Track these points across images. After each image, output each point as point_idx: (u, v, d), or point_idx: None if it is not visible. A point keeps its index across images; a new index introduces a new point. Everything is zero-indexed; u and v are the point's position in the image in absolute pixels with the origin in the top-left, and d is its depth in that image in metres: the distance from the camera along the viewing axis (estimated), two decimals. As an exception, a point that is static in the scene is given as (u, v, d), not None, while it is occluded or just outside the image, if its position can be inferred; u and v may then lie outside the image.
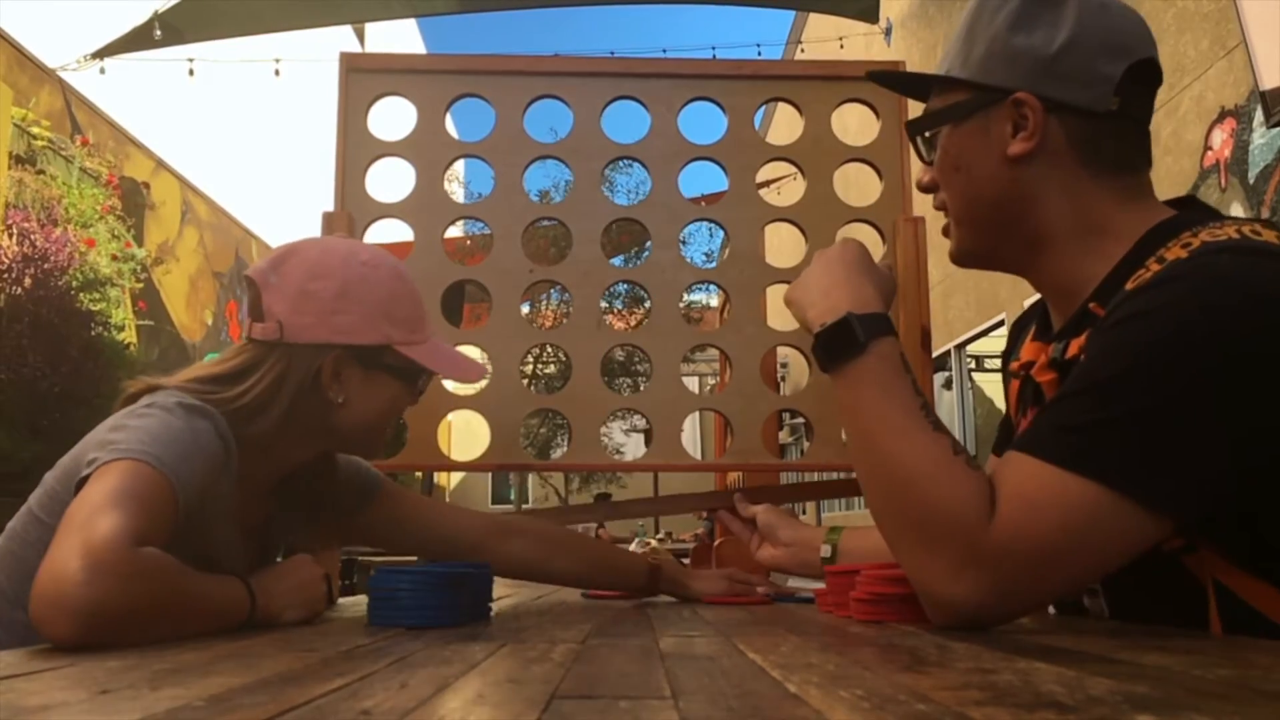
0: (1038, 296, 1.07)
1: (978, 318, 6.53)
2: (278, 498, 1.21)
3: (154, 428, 0.96)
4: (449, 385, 1.65)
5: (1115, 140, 0.95)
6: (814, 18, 9.82)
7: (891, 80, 1.16)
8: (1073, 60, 0.93)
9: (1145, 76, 0.95)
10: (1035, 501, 0.80)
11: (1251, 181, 3.79)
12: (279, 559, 1.24)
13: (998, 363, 6.64)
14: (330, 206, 1.53)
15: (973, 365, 7.18)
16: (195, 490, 0.96)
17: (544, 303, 13.85)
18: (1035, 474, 0.80)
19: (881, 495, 0.88)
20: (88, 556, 0.79)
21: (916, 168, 1.11)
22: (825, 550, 1.31)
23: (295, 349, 1.10)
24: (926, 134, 1.03)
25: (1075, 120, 0.94)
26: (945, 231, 1.07)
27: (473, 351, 1.78)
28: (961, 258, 1.06)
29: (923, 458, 0.85)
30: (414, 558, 1.38)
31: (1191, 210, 0.94)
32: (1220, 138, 4.02)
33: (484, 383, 1.56)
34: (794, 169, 1.63)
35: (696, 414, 1.67)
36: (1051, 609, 1.13)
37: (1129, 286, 0.85)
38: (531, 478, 17.28)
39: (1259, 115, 3.68)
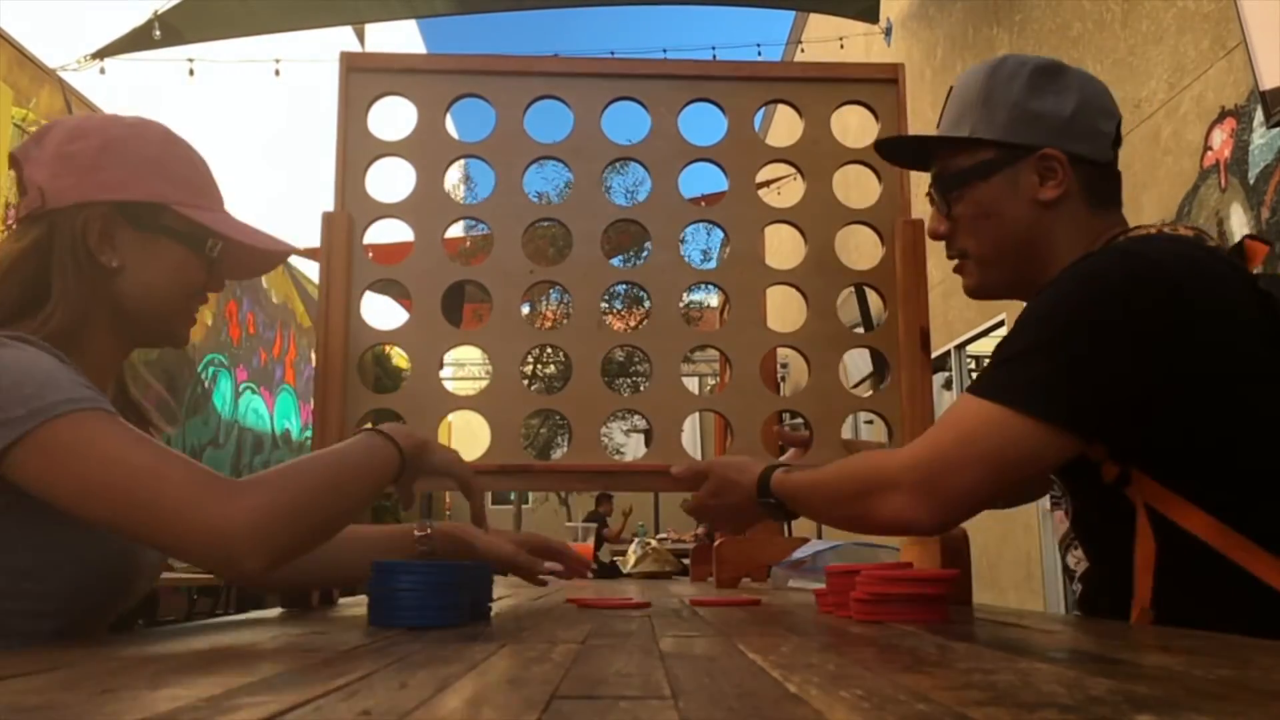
0: None
1: (978, 318, 6.53)
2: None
3: (17, 376, 0.86)
4: (448, 385, 1.65)
5: (1108, 183, 1.19)
6: (814, 18, 9.81)
7: (894, 148, 1.34)
8: (1083, 121, 1.16)
9: (1118, 133, 1.21)
10: (942, 424, 1.05)
11: (1251, 181, 3.79)
12: None
13: (998, 363, 6.64)
14: (330, 206, 1.53)
15: (973, 365, 7.18)
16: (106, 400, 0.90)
17: (544, 303, 13.85)
18: (954, 405, 1.05)
19: (848, 519, 1.16)
20: (234, 505, 0.83)
21: (925, 213, 1.30)
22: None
23: (57, 214, 1.00)
24: (947, 190, 1.21)
25: (1085, 169, 1.16)
26: (959, 270, 1.25)
27: (472, 352, 1.78)
28: (981, 292, 1.24)
29: (830, 481, 1.16)
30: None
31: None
32: (1220, 138, 4.02)
33: (484, 383, 1.56)
34: (793, 170, 1.63)
35: (696, 414, 1.67)
36: (1076, 611, 1.18)
37: None
38: (531, 478, 17.24)
39: (1259, 115, 3.68)
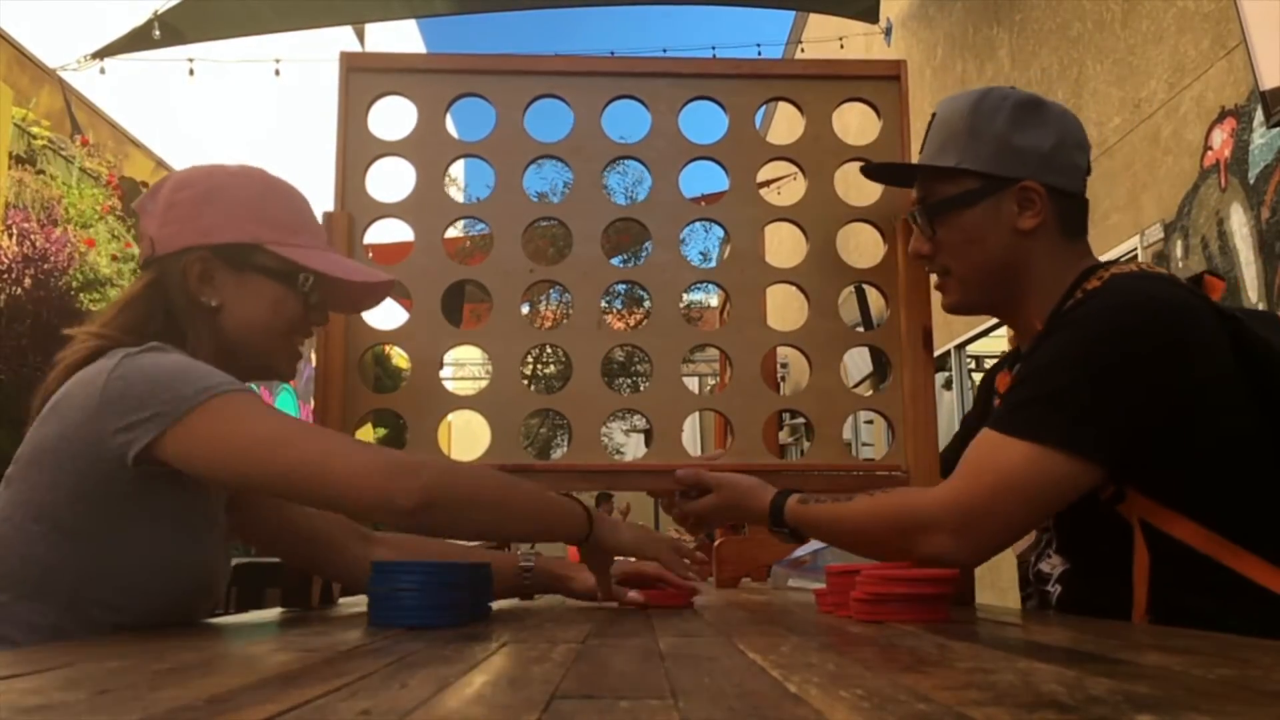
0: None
1: (978, 318, 6.54)
2: None
3: (180, 362, 1.01)
4: (448, 385, 1.65)
5: (1079, 213, 1.28)
6: (814, 18, 9.80)
7: (882, 173, 1.44)
8: (1061, 155, 1.25)
9: (1089, 164, 1.30)
10: (979, 464, 1.10)
11: (1251, 181, 3.79)
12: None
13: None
14: (330, 206, 1.53)
15: (973, 365, 7.17)
16: None
17: (544, 303, 13.84)
18: (983, 442, 1.11)
19: (875, 553, 1.21)
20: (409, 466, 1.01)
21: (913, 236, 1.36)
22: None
23: (165, 260, 1.11)
24: (933, 216, 1.29)
25: (1061, 200, 1.25)
26: (941, 287, 1.34)
27: (472, 352, 1.77)
28: (960, 308, 1.32)
29: (870, 520, 1.19)
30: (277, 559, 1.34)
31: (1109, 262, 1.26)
32: (1220, 138, 4.02)
33: (484, 382, 1.56)
34: (794, 168, 1.63)
35: (696, 414, 1.67)
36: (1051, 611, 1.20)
37: (1064, 309, 1.18)
38: (531, 478, 17.23)
39: (1259, 115, 3.68)
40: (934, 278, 1.37)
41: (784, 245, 2.05)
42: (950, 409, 7.02)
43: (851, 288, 1.66)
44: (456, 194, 11.70)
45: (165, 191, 1.13)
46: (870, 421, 8.49)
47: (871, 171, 1.44)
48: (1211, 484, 1.09)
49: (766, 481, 1.36)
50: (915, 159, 1.39)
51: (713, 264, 1.74)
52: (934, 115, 1.33)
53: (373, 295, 1.28)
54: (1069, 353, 1.10)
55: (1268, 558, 1.05)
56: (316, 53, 5.96)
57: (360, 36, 11.73)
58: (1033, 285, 1.25)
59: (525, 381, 1.60)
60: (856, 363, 6.64)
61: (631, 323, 13.07)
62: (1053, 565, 1.25)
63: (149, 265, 1.12)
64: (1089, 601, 1.17)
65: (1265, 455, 1.09)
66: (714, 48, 9.04)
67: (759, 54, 8.09)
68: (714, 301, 11.63)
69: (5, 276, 4.84)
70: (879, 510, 1.18)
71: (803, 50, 9.72)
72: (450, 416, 1.64)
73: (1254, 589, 1.04)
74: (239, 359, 1.14)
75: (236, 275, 1.12)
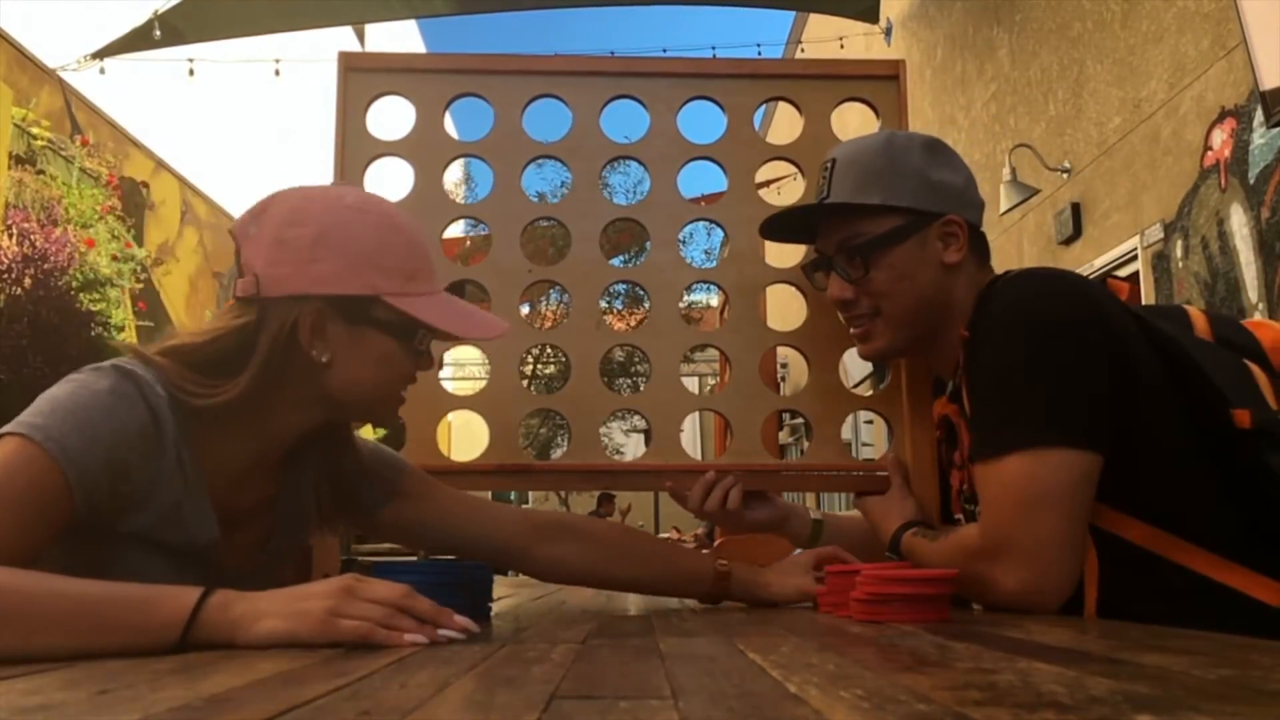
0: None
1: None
2: (282, 481, 1.11)
3: (64, 396, 0.91)
4: (448, 385, 1.65)
5: (984, 243, 1.32)
6: (814, 18, 9.81)
7: (780, 228, 1.44)
8: (970, 191, 1.31)
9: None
10: (996, 496, 1.09)
11: (1251, 181, 3.79)
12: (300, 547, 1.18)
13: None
14: (330, 206, 1.53)
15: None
16: (101, 468, 0.90)
17: (543, 303, 13.84)
18: (985, 475, 1.11)
19: (961, 593, 1.15)
20: None
21: (829, 283, 1.36)
22: (816, 513, 1.53)
23: (270, 303, 0.99)
24: (862, 255, 1.27)
25: (973, 232, 1.29)
26: (864, 334, 1.32)
27: (472, 352, 1.77)
28: (888, 352, 1.33)
29: (940, 561, 1.14)
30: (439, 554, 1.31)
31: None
32: (1220, 138, 4.02)
33: (483, 383, 1.56)
34: (794, 168, 1.63)
35: (696, 414, 1.67)
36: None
37: (971, 334, 1.18)
38: (531, 478, 17.23)
39: (1259, 115, 3.68)
40: (852, 329, 1.35)
41: (784, 245, 2.05)
42: (950, 409, 7.02)
43: (851, 288, 1.66)
44: (460, 193, 11.71)
45: (274, 222, 1.01)
46: (870, 421, 8.49)
47: (770, 229, 1.44)
48: (1151, 479, 1.09)
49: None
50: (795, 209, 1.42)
51: (714, 263, 1.74)
52: (832, 161, 1.31)
53: (485, 336, 1.17)
54: (1006, 360, 1.11)
55: (1215, 551, 1.06)
56: (316, 53, 5.96)
57: (360, 36, 11.73)
58: (952, 319, 1.26)
59: (525, 382, 1.60)
60: (856, 363, 6.65)
61: (631, 323, 13.08)
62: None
63: (250, 303, 1.01)
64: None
65: (1191, 445, 1.09)
66: (714, 48, 9.05)
67: (759, 53, 8.10)
68: (714, 301, 11.63)
69: (5, 276, 4.84)
70: (945, 556, 1.16)
71: (802, 50, 9.72)
72: (450, 416, 1.64)
73: (1205, 584, 1.05)
74: (342, 410, 1.08)
75: (350, 329, 1.02)
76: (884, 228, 1.27)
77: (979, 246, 1.30)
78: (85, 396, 0.92)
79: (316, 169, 2.58)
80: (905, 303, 1.28)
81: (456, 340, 1.20)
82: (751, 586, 1.30)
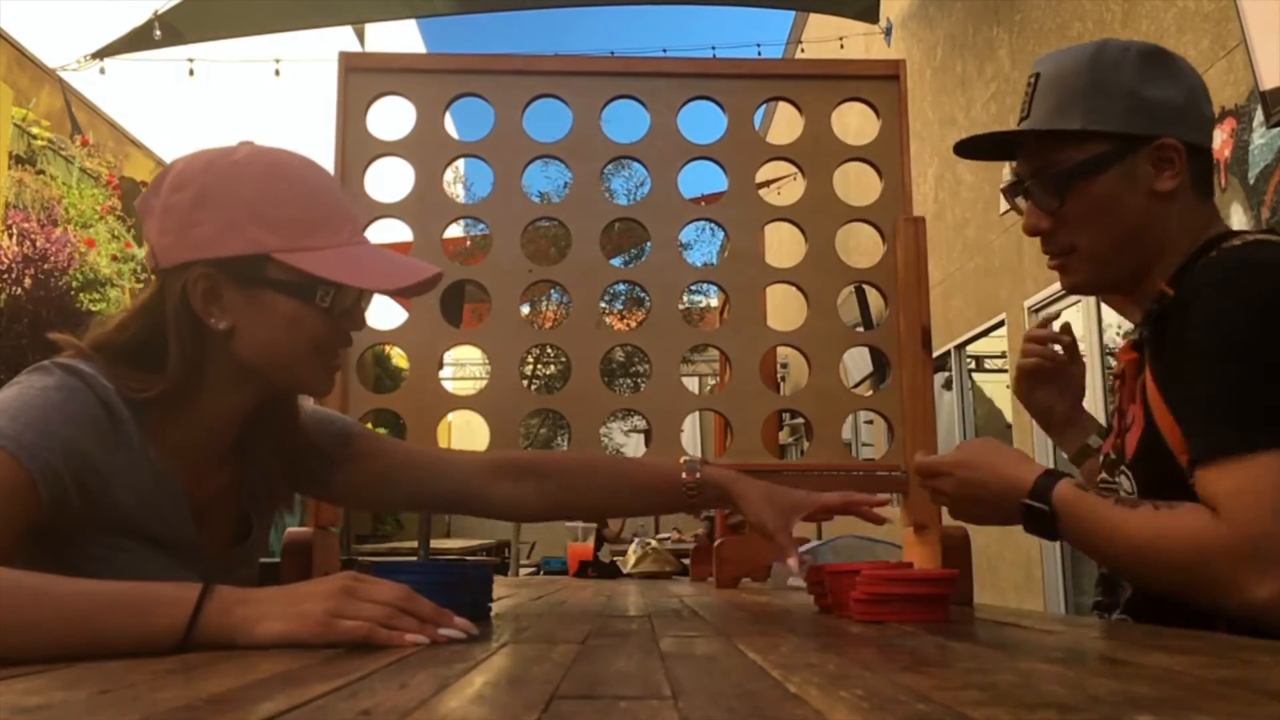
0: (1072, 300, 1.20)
1: (978, 318, 6.53)
2: (239, 463, 1.08)
3: (11, 397, 0.89)
4: (448, 385, 1.64)
5: (1210, 171, 1.15)
6: (814, 18, 9.80)
7: (976, 147, 1.24)
8: (1194, 108, 1.13)
9: (1215, 117, 1.17)
10: (1250, 491, 0.93)
11: (1251, 181, 3.79)
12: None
13: (998, 363, 6.63)
14: (330, 206, 1.53)
15: (973, 365, 7.18)
16: (61, 460, 0.87)
17: (544, 303, 13.84)
18: (1226, 471, 0.95)
19: (1148, 580, 1.02)
20: None
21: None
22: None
23: (165, 274, 0.96)
24: (1058, 185, 1.14)
25: (1196, 157, 1.12)
26: (1061, 267, 1.19)
27: (472, 352, 1.77)
28: (1087, 288, 1.20)
29: (1140, 540, 0.98)
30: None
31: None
32: (1220, 138, 4.02)
33: (484, 383, 1.56)
34: (794, 168, 1.63)
35: (696, 414, 1.67)
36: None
37: (1174, 291, 1.06)
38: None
39: (1259, 115, 3.68)
40: (1048, 258, 1.22)
41: (784, 245, 2.06)
42: (950, 409, 7.02)
43: (851, 288, 1.66)
44: (459, 193, 11.70)
45: (164, 190, 0.98)
46: (870, 421, 8.48)
47: (964, 148, 1.26)
48: None
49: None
50: (997, 128, 1.26)
51: (714, 263, 1.74)
52: (1036, 75, 1.18)
53: (420, 287, 1.06)
54: (1242, 340, 0.98)
55: None
56: (316, 53, 5.96)
57: (360, 36, 11.73)
58: (1164, 254, 1.13)
59: (525, 381, 1.60)
60: (856, 363, 6.64)
61: (631, 323, 13.08)
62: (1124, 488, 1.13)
63: (153, 276, 0.99)
64: (1161, 602, 1.05)
65: None
66: (714, 48, 9.05)
67: (759, 53, 8.09)
68: (714, 301, 11.63)
69: (5, 276, 4.84)
70: (1169, 532, 0.97)
71: (803, 50, 9.72)
72: (450, 416, 1.64)
73: None
74: (263, 379, 1.02)
75: (245, 292, 0.96)
76: (1084, 155, 1.13)
77: (1201, 171, 1.14)
78: (33, 394, 0.90)
79: (316, 169, 2.56)
80: (1106, 237, 1.15)
81: (387, 293, 1.06)
82: (728, 497, 1.21)
